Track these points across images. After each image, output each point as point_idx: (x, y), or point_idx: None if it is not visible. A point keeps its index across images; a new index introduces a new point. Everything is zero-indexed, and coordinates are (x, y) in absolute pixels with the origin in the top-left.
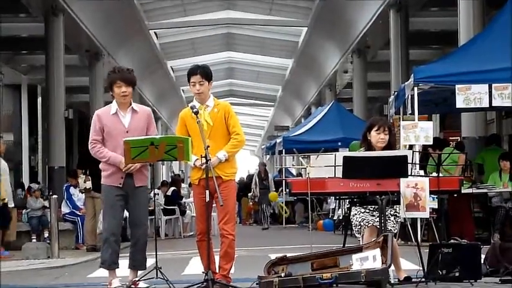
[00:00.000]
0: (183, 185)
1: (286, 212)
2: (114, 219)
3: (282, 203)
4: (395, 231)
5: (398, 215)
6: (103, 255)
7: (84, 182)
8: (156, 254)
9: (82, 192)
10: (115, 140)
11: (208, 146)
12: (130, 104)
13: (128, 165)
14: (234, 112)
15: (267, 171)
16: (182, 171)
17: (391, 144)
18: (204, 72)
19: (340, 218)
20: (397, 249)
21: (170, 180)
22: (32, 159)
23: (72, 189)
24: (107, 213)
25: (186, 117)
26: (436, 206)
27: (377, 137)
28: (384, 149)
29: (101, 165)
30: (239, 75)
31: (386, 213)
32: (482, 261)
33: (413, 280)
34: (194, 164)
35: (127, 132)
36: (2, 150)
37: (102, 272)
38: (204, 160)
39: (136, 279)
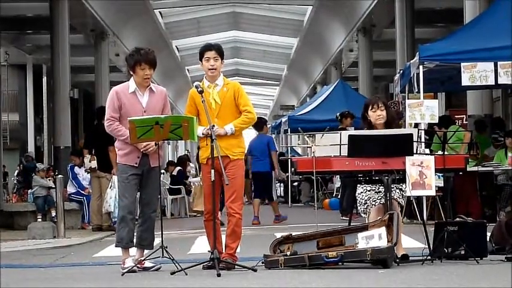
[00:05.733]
0: (190, 164)
1: None
2: (130, 198)
3: None
4: (402, 204)
5: (403, 189)
6: (120, 233)
7: (90, 161)
8: (162, 233)
9: (88, 172)
10: None
11: (213, 126)
12: (149, 85)
13: (146, 146)
14: (244, 91)
15: None
16: (188, 151)
17: (391, 118)
18: (219, 49)
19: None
20: (401, 225)
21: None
22: (37, 139)
23: (76, 169)
24: (122, 192)
25: (196, 96)
26: (442, 184)
27: (374, 115)
28: (385, 124)
29: (116, 144)
30: (244, 55)
31: (392, 187)
32: (488, 239)
33: (418, 258)
34: (203, 134)
35: (144, 112)
36: None
37: (108, 251)
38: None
39: (142, 258)
